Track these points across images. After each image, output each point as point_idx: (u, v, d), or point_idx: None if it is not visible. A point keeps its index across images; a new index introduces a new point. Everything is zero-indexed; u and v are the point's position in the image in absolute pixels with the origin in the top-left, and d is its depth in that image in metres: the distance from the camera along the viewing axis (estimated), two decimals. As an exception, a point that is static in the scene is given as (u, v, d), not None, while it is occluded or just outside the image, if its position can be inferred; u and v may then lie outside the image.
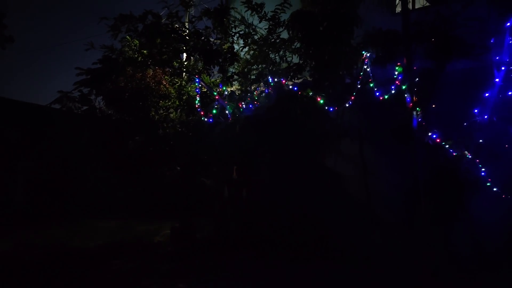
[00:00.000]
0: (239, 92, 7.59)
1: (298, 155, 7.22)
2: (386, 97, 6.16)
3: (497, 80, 5.75)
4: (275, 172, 7.49)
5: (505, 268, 5.49)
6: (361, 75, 6.38)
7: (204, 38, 6.92)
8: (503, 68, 5.72)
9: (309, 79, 7.18)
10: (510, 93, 5.60)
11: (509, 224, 5.60)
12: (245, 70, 7.41)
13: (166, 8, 7.12)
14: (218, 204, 8.31)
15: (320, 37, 6.64)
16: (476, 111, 5.84)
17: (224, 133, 7.21)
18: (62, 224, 9.83)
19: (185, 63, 7.77)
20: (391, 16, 7.31)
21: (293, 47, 7.20)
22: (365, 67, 6.38)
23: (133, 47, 7.42)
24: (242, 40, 7.33)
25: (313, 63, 6.84)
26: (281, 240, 7.14)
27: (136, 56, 7.22)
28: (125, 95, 7.67)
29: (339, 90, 6.67)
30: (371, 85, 6.28)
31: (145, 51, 7.07)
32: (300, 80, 7.35)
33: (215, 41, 7.37)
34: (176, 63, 7.58)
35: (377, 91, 6.27)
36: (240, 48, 7.55)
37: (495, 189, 5.64)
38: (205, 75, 7.65)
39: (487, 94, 5.79)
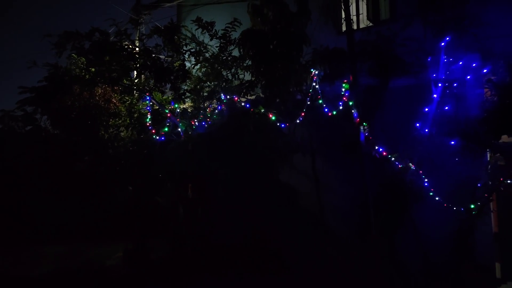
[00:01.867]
0: (192, 109, 7.55)
1: (252, 171, 7.27)
2: (334, 112, 6.37)
3: (435, 96, 6.14)
4: (230, 189, 7.47)
5: (450, 279, 5.74)
6: (310, 91, 6.57)
7: (155, 56, 6.85)
8: (439, 84, 6.13)
9: (261, 95, 7.31)
10: (446, 108, 5.99)
11: (451, 231, 5.89)
12: (198, 87, 7.40)
13: (114, 26, 6.99)
14: (173, 223, 8.13)
15: (270, 55, 6.80)
16: (417, 125, 6.18)
17: (177, 151, 7.11)
18: (2, 250, 9.15)
19: (136, 80, 7.64)
20: (337, 35, 7.63)
21: (244, 64, 7.31)
22: (314, 84, 6.58)
23: (80, 65, 7.19)
24: (193, 57, 7.34)
25: (264, 80, 6.97)
26: (237, 257, 7.11)
27: (83, 74, 6.99)
28: (72, 114, 7.38)
29: (290, 106, 6.83)
30: (320, 101, 6.48)
31: (92, 69, 6.87)
32: (253, 97, 7.45)
33: (166, 58, 7.32)
34: (126, 81, 7.43)
35: (326, 107, 6.47)
36: (192, 66, 7.55)
37: (437, 198, 5.95)
38: (156, 93, 7.55)
39: (426, 109, 6.15)
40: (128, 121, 7.75)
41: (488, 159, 5.77)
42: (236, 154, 6.76)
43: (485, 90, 5.79)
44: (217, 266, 6.98)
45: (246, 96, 7.40)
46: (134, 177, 7.71)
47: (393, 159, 6.09)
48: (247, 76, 7.41)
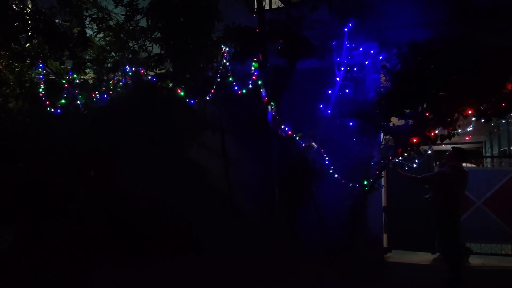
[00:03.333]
0: (93, 80, 6.98)
1: (159, 148, 7.02)
2: (244, 91, 6.38)
3: (337, 79, 6.48)
4: (136, 167, 7.13)
5: (345, 249, 6.21)
6: (221, 68, 6.48)
7: (48, 19, 6.13)
8: (342, 68, 6.48)
9: (171, 70, 7.02)
10: (347, 90, 6.36)
11: (348, 205, 6.34)
12: (100, 57, 6.84)
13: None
14: (72, 204, 7.54)
15: (181, 28, 6.53)
16: (321, 106, 6.48)
17: (75, 125, 6.55)
18: None
19: (27, 45, 6.78)
20: (250, 14, 7.58)
21: (153, 36, 6.94)
22: (225, 61, 6.50)
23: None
24: (95, 24, 6.74)
25: (174, 54, 6.70)
26: (145, 238, 6.89)
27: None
28: None
29: (200, 82, 6.67)
30: (230, 79, 6.43)
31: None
32: (163, 71, 7.14)
33: (63, 23, 6.60)
34: (15, 45, 6.57)
35: (236, 85, 6.45)
36: (94, 34, 6.94)
37: (336, 175, 6.35)
38: (52, 61, 6.81)
39: (329, 91, 6.47)
40: (17, 91, 6.89)
41: (381, 139, 6.29)
42: (142, 130, 6.45)
43: (381, 75, 6.26)
44: (121, 249, 6.69)
45: (155, 70, 7.05)
46: (25, 153, 6.94)
47: (297, 138, 6.33)
48: (156, 49, 7.04)
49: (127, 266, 6.17)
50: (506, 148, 11.41)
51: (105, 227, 7.11)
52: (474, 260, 6.54)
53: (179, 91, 6.40)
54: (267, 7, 7.30)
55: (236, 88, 6.43)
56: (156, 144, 6.90)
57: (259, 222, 6.91)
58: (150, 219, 7.06)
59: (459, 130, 5.56)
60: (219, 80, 6.47)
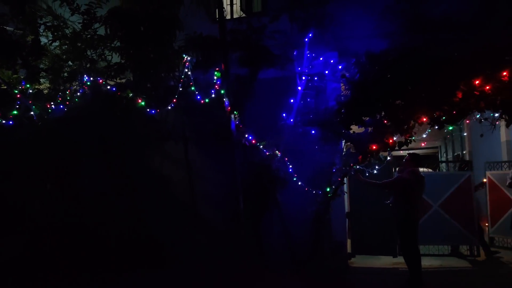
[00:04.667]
0: (49, 90, 6.70)
1: (120, 159, 6.83)
2: (207, 100, 6.35)
3: (299, 88, 6.59)
4: (95, 179, 6.89)
5: (309, 256, 6.26)
6: (183, 78, 6.42)
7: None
8: (304, 78, 6.60)
9: (132, 79, 6.87)
10: (308, 99, 6.48)
11: (311, 212, 6.41)
12: (56, 66, 6.59)
13: None
14: (28, 219, 7.16)
15: (141, 37, 6.43)
16: (284, 115, 6.56)
17: (28, 137, 6.24)
18: None
19: (-24, 53, 6.42)
20: (212, 23, 7.59)
21: (112, 45, 6.77)
22: (187, 70, 6.44)
23: None
24: (51, 33, 6.50)
25: (135, 63, 6.57)
26: (105, 251, 6.64)
27: None
28: None
29: (161, 92, 6.56)
30: (193, 88, 6.38)
31: None
32: (123, 80, 6.97)
33: (15, 31, 6.31)
34: (-38, 53, 6.20)
35: (198, 94, 6.41)
36: (50, 42, 6.69)
37: (300, 183, 6.42)
38: (3, 70, 6.47)
39: (292, 100, 6.57)
40: (-35, 102, 6.49)
41: (343, 147, 6.43)
42: (101, 141, 6.25)
43: (341, 84, 6.41)
44: (79, 263, 6.41)
45: (115, 80, 6.88)
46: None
47: (261, 147, 6.35)
48: (116, 58, 6.88)
49: (83, 283, 5.93)
50: (460, 153, 12.00)
51: (62, 240, 6.80)
52: (432, 262, 6.79)
53: (139, 100, 6.27)
54: (228, 17, 7.31)
55: (198, 97, 6.38)
56: (116, 155, 6.71)
57: (223, 231, 6.85)
58: (110, 231, 6.83)
59: (415, 137, 5.78)
60: (181, 89, 6.39)
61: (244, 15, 7.77)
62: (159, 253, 6.80)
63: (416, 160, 5.70)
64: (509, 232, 6.91)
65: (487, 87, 4.87)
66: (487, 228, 7.90)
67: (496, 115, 5.38)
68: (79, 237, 6.76)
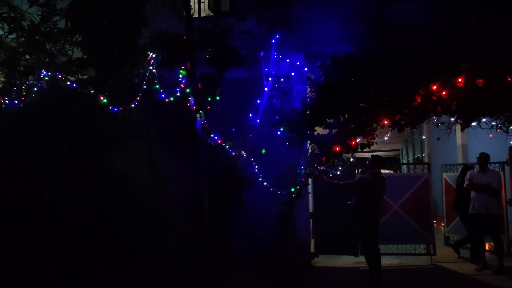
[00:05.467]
0: (3, 85, 6.37)
1: (83, 158, 6.59)
2: (172, 99, 6.25)
3: (266, 89, 6.61)
4: (56, 178, 6.61)
5: (274, 256, 6.29)
6: (147, 75, 6.29)
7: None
8: (270, 79, 6.62)
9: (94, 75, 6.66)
10: (275, 100, 6.51)
11: (276, 213, 6.44)
12: (12, 60, 6.28)
13: None
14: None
15: (104, 32, 6.25)
16: (250, 115, 6.55)
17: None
18: None
19: None
20: (179, 21, 7.47)
21: (74, 39, 6.54)
22: (152, 68, 6.31)
23: None
24: (7, 24, 6.19)
25: (97, 59, 6.37)
26: (65, 255, 6.38)
27: None
28: None
29: (125, 89, 6.39)
30: (157, 86, 6.25)
31: None
32: (85, 77, 6.74)
33: (-33, 21, 5.98)
34: None
35: (163, 93, 6.28)
36: (5, 34, 6.36)
37: (265, 183, 6.43)
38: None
39: (258, 101, 6.58)
40: None
41: (308, 148, 6.50)
42: (61, 138, 6.00)
43: (307, 86, 6.49)
44: (37, 270, 6.11)
45: (76, 75, 6.65)
46: None
47: (227, 147, 6.32)
48: (78, 53, 6.65)
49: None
50: (420, 155, 12.47)
51: (21, 244, 6.48)
52: (392, 260, 7.00)
53: (101, 98, 6.08)
54: (196, 15, 7.24)
55: (163, 95, 6.26)
56: (77, 153, 6.47)
57: (190, 231, 6.75)
58: (70, 234, 6.57)
59: (377, 139, 5.93)
60: (145, 87, 6.26)
61: (211, 14, 7.72)
62: (126, 256, 6.61)
63: (378, 162, 5.85)
64: (463, 232, 7.23)
65: (444, 93, 5.07)
66: (442, 228, 8.26)
67: (452, 119, 5.63)
68: (38, 241, 6.45)
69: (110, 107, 6.12)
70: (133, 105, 6.19)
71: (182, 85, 6.20)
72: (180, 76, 6.24)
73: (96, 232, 6.58)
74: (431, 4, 6.33)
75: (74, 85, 6.18)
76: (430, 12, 6.21)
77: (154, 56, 6.37)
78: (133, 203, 7.11)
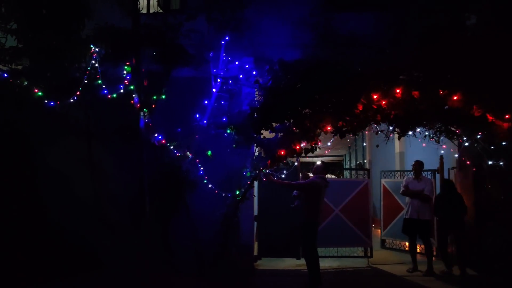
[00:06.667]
0: None
1: (17, 155, 6.11)
2: (114, 95, 6.00)
3: (214, 90, 6.55)
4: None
5: (217, 258, 6.23)
6: (89, 69, 5.98)
7: None
8: (219, 80, 6.58)
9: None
10: (222, 102, 6.47)
11: (221, 215, 6.39)
12: None
13: None
14: None
15: (43, 21, 5.87)
16: (197, 116, 6.46)
17: None
18: None
19: None
20: (126, 16, 7.21)
21: (8, 27, 6.08)
22: (94, 62, 6.02)
23: None
24: None
25: (34, 49, 5.97)
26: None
27: None
28: None
29: (64, 83, 6.03)
30: (100, 81, 5.97)
31: None
32: (19, 67, 6.28)
33: None
34: None
35: (106, 88, 6.01)
36: None
37: (210, 185, 6.36)
38: None
39: (206, 102, 6.50)
40: None
41: (254, 151, 6.52)
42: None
43: (255, 90, 6.52)
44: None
45: (9, 65, 6.17)
46: None
47: (171, 147, 6.18)
48: (12, 42, 6.18)
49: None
50: (361, 162, 13.01)
51: None
52: (331, 263, 7.21)
53: (36, 90, 5.69)
54: (144, 11, 7.02)
55: (106, 91, 5.99)
56: (9, 149, 5.99)
57: (132, 234, 6.49)
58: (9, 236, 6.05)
59: (321, 144, 6.09)
60: (86, 82, 5.95)
61: (161, 10, 7.53)
62: (64, 261, 6.20)
63: (326, 168, 6.04)
64: (398, 235, 7.62)
65: (384, 102, 5.33)
66: (379, 231, 8.65)
67: (391, 128, 5.93)
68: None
69: (46, 101, 5.74)
70: (72, 100, 5.85)
71: (126, 81, 5.98)
72: (125, 72, 6.02)
73: (29, 235, 6.11)
74: (377, 17, 6.63)
75: (6, 75, 5.73)
76: (375, 24, 6.49)
77: (97, 50, 6.09)
78: (72, 204, 6.72)
